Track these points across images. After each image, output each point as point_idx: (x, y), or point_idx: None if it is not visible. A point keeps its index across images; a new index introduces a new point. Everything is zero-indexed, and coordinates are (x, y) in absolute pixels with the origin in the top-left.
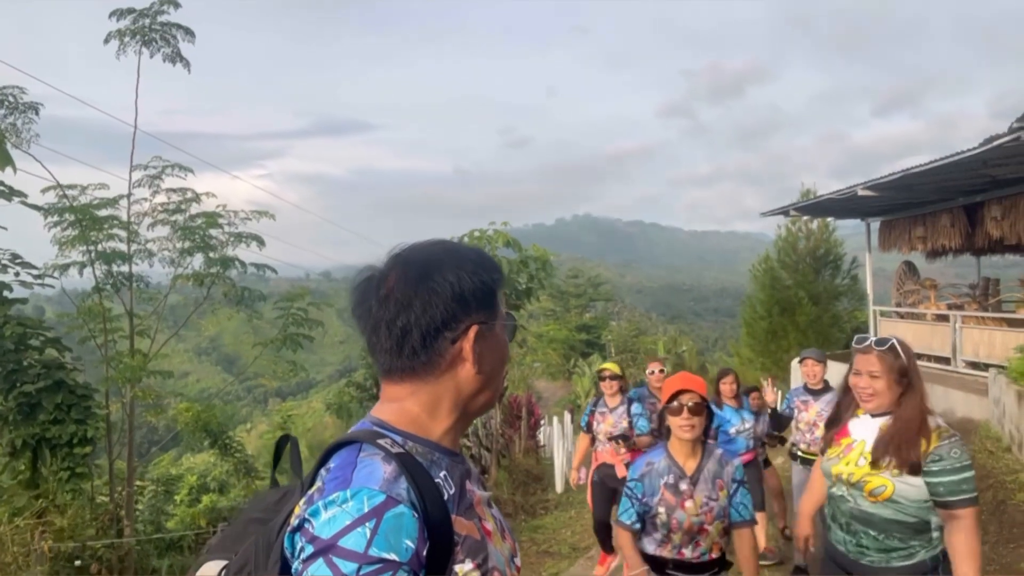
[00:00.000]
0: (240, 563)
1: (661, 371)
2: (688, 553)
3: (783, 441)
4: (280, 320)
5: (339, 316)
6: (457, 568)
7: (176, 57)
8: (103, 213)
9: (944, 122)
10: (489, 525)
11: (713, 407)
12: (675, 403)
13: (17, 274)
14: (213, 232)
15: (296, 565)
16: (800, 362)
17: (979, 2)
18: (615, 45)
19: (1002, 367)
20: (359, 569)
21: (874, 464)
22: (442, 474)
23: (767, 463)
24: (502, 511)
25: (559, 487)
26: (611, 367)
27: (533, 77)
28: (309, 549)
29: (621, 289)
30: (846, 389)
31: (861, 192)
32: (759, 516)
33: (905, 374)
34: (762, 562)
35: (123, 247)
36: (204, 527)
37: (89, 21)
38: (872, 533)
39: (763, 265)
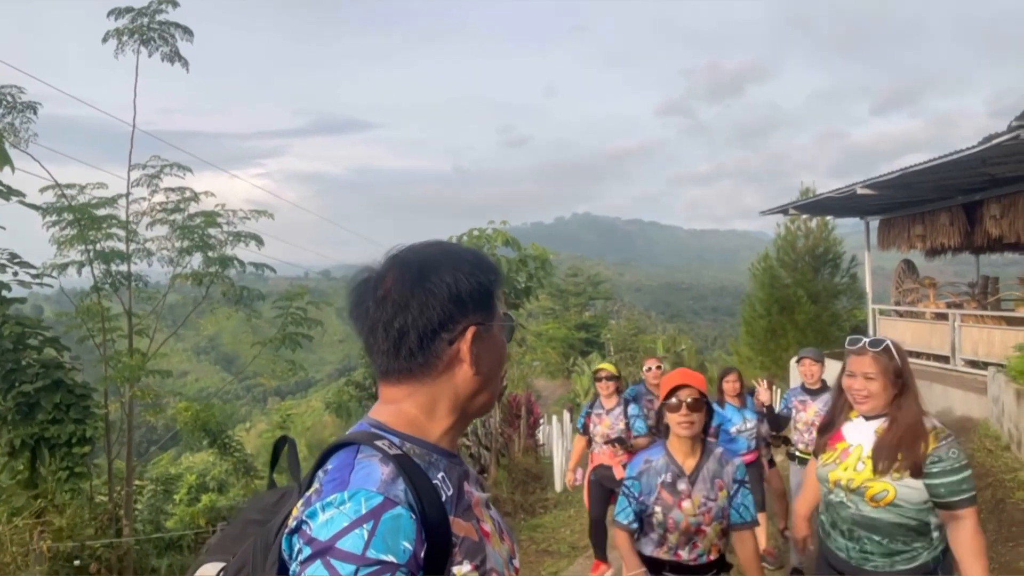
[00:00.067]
0: (238, 564)
1: (658, 368)
2: (685, 555)
3: (787, 441)
4: (279, 319)
5: (338, 315)
6: (455, 569)
7: (175, 56)
8: (102, 212)
9: (943, 121)
10: (487, 526)
11: (715, 405)
12: (673, 399)
13: (16, 273)
14: (212, 231)
15: (294, 567)
16: (797, 362)
17: (978, 1)
18: (614, 44)
19: (1001, 365)
20: (357, 571)
21: (875, 469)
22: (440, 475)
23: (772, 463)
24: (501, 510)
25: (558, 486)
26: (607, 367)
27: (532, 76)
28: (307, 551)
29: (620, 288)
30: (839, 391)
31: (860, 191)
32: (760, 517)
33: (900, 375)
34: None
35: (122, 246)
36: (203, 526)
37: (87, 20)
38: (876, 538)
39: (762, 264)
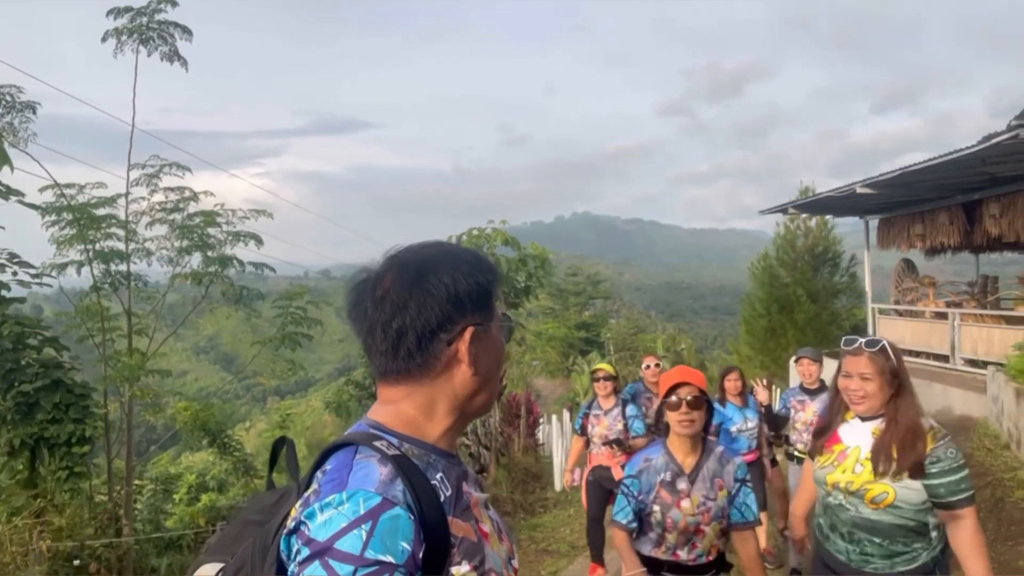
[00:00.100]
0: (237, 565)
1: (657, 366)
2: (683, 555)
3: (786, 440)
4: (279, 319)
5: (338, 314)
6: (454, 570)
7: (174, 56)
8: (101, 212)
9: (943, 120)
10: (486, 527)
11: (716, 404)
12: (673, 397)
13: (15, 273)
14: (211, 231)
15: (292, 567)
16: (795, 361)
17: (978, 0)
18: (614, 44)
19: (1000, 364)
20: (355, 571)
21: (875, 471)
22: (438, 476)
23: (774, 462)
24: (501, 509)
25: (558, 485)
26: (605, 367)
27: (532, 75)
28: (305, 551)
29: (620, 287)
30: (835, 393)
31: (860, 190)
32: (761, 516)
33: (896, 375)
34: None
35: (121, 246)
36: (203, 526)
37: (86, 19)
38: (877, 540)
39: (762, 263)
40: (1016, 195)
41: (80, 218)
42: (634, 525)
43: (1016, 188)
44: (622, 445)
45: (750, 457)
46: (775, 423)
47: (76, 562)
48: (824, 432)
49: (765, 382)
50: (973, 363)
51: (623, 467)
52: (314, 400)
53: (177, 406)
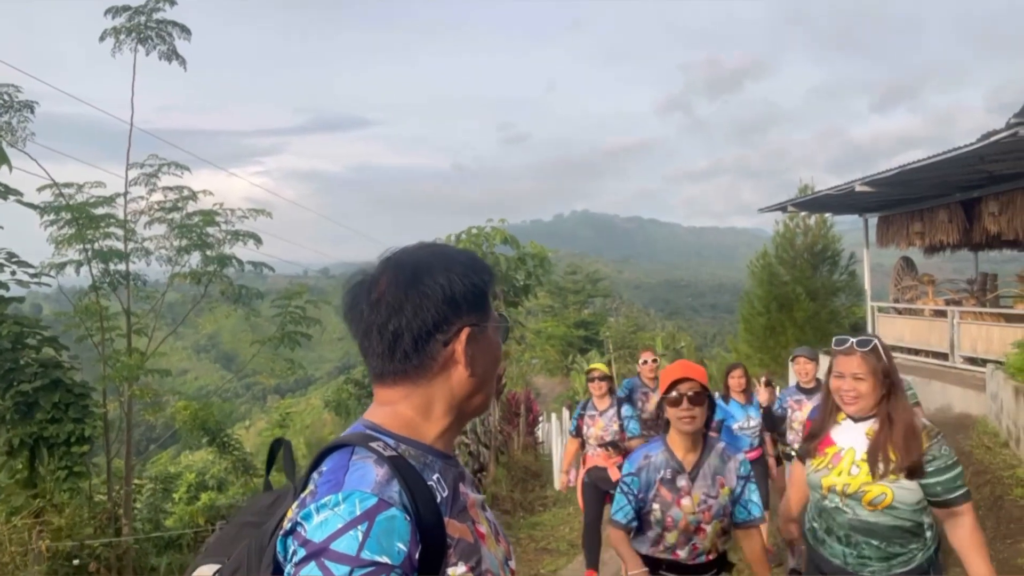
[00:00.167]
0: (233, 567)
1: (654, 361)
2: (683, 554)
3: (784, 439)
4: (278, 318)
5: (337, 313)
6: (450, 571)
7: (172, 55)
8: (99, 211)
9: (942, 117)
10: (483, 528)
11: (719, 401)
12: (674, 393)
13: (14, 273)
14: (210, 230)
15: (288, 568)
16: (792, 360)
17: None
18: (613, 41)
19: (1000, 362)
20: (351, 572)
21: (872, 472)
22: (435, 477)
23: (780, 461)
24: (500, 508)
25: (557, 484)
26: (600, 367)
27: (532, 73)
28: (301, 552)
29: (619, 285)
30: (827, 394)
31: (859, 188)
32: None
33: (888, 375)
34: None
35: (120, 245)
36: (203, 525)
37: (85, 18)
38: (874, 542)
39: (761, 261)
40: (1015, 193)
41: (79, 217)
42: (634, 524)
43: (1015, 186)
44: (618, 447)
45: (753, 455)
46: (772, 423)
47: (76, 561)
48: (816, 435)
49: (764, 380)
50: (972, 361)
51: (619, 468)
52: (314, 398)
53: (176, 405)
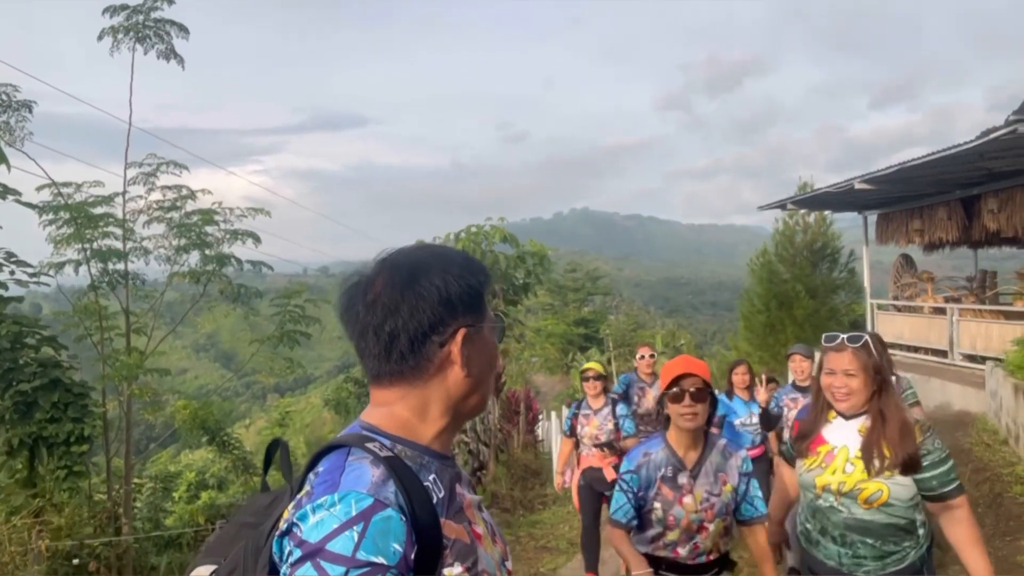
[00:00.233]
0: (229, 567)
1: (652, 356)
2: (683, 552)
3: (781, 437)
4: (277, 317)
5: (336, 312)
6: (446, 571)
7: (170, 53)
8: (98, 211)
9: (941, 115)
10: (479, 529)
11: (723, 398)
12: (676, 389)
13: (12, 272)
14: (209, 229)
15: (284, 569)
16: (788, 358)
17: None
18: (613, 39)
19: (999, 360)
20: (346, 573)
21: (868, 469)
22: (431, 477)
23: None
24: (500, 506)
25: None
26: (595, 366)
27: (531, 71)
28: (297, 553)
29: (619, 283)
30: (817, 392)
31: (858, 185)
32: None
33: (879, 371)
34: None
35: (119, 245)
36: (202, 524)
37: (83, 17)
38: (869, 541)
39: (761, 259)
40: (1014, 190)
41: (77, 217)
42: (634, 523)
43: (1014, 183)
44: (613, 448)
45: (755, 452)
46: (769, 422)
47: (75, 561)
48: (807, 434)
49: (764, 378)
50: (971, 358)
51: (615, 468)
52: (314, 397)
53: (176, 405)
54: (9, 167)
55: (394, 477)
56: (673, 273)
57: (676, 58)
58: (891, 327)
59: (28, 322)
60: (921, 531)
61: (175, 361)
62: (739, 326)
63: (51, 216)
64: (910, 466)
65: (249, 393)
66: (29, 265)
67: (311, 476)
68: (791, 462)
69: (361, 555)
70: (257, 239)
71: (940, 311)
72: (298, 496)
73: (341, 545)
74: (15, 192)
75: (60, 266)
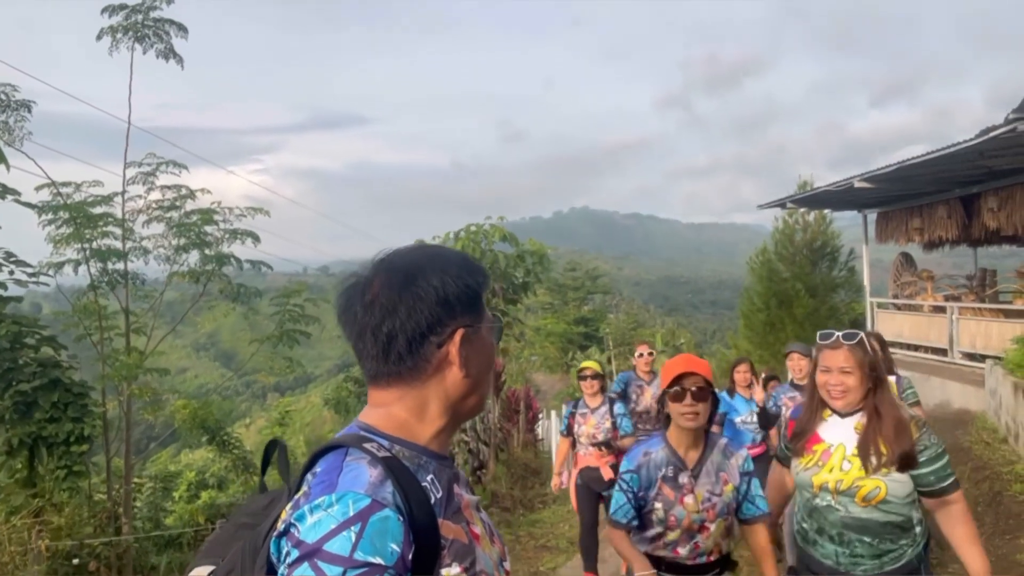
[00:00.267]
0: (227, 568)
1: (650, 354)
2: (683, 552)
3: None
4: (277, 316)
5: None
6: (444, 572)
7: (169, 53)
8: (97, 211)
9: (941, 112)
10: (477, 529)
11: (725, 395)
12: (677, 387)
13: (12, 272)
14: (208, 229)
15: (282, 569)
16: (786, 356)
17: None
18: (612, 38)
19: (999, 358)
20: (344, 573)
21: (866, 467)
22: (429, 478)
23: None
24: (500, 505)
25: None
26: (591, 365)
27: (530, 70)
28: (295, 553)
29: (619, 282)
30: (812, 391)
31: (858, 184)
32: None
33: (874, 368)
34: None
35: (118, 244)
36: (203, 523)
37: (83, 16)
38: (867, 539)
39: (760, 257)
40: (1014, 188)
41: (76, 217)
42: (635, 523)
43: (1014, 181)
44: (611, 447)
45: (756, 451)
46: (766, 421)
47: (75, 560)
48: (802, 433)
49: (764, 376)
50: (971, 357)
51: (612, 467)
52: (314, 396)
53: (175, 404)
54: (8, 167)
55: (392, 477)
56: (673, 272)
57: (675, 57)
58: (891, 325)
59: (28, 322)
60: (918, 529)
61: (175, 360)
62: (739, 325)
63: (50, 216)
64: (907, 462)
65: (249, 392)
66: (28, 265)
67: (309, 477)
68: (786, 462)
69: (358, 555)
70: (256, 239)
71: (940, 309)
72: (296, 497)
73: (338, 545)
74: (14, 192)
75: (59, 266)
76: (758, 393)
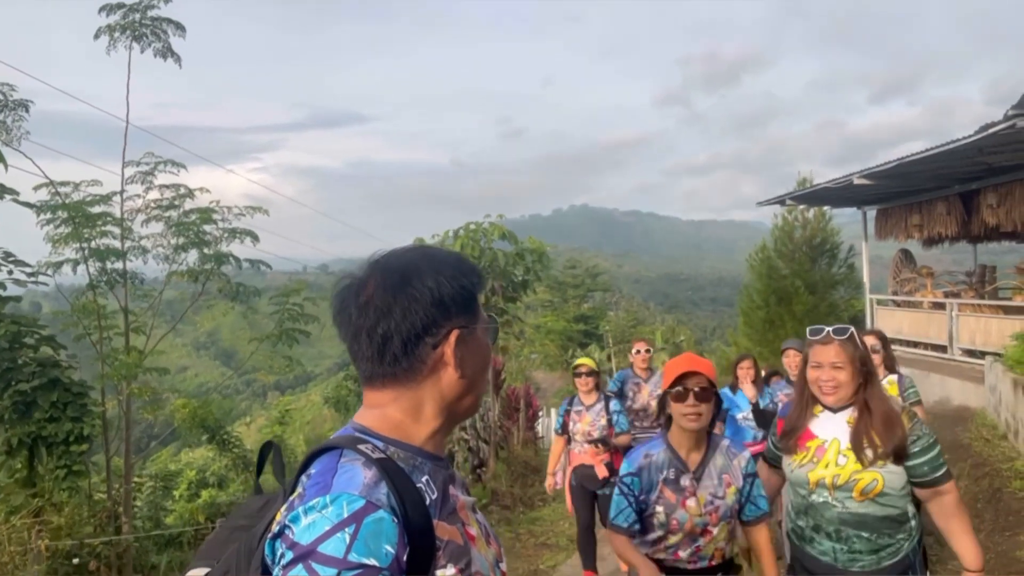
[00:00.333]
0: (222, 570)
1: (647, 351)
2: (684, 555)
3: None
4: (276, 315)
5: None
6: (439, 573)
7: (167, 52)
8: (96, 210)
9: (940, 109)
10: (473, 530)
11: (727, 391)
12: (679, 387)
13: (11, 272)
14: (207, 228)
15: (276, 571)
16: (782, 353)
17: None
18: (612, 35)
19: (998, 355)
20: (338, 574)
21: (861, 459)
22: (424, 479)
23: None
24: (500, 503)
25: (558, 479)
26: (587, 362)
27: (530, 67)
28: (289, 555)
29: (619, 279)
30: (802, 387)
31: (857, 180)
32: None
33: (865, 363)
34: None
35: (117, 244)
36: (203, 522)
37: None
38: (865, 535)
39: (760, 254)
40: (1013, 184)
41: (75, 216)
42: (637, 527)
43: (1013, 177)
44: (607, 443)
45: (757, 448)
46: (762, 418)
47: (76, 560)
48: (793, 431)
49: (765, 373)
50: (971, 353)
51: (608, 466)
52: (314, 395)
53: (175, 403)
54: (6, 166)
55: (386, 479)
56: (672, 269)
57: (675, 54)
58: (890, 322)
59: (27, 322)
60: (913, 522)
61: (176, 359)
62: (738, 322)
63: (49, 215)
64: (900, 453)
65: (250, 391)
66: (27, 264)
67: (303, 478)
68: (775, 461)
69: (353, 557)
70: (255, 238)
71: (939, 306)
72: (291, 498)
73: (333, 547)
74: (12, 191)
75: (58, 265)
76: (748, 389)
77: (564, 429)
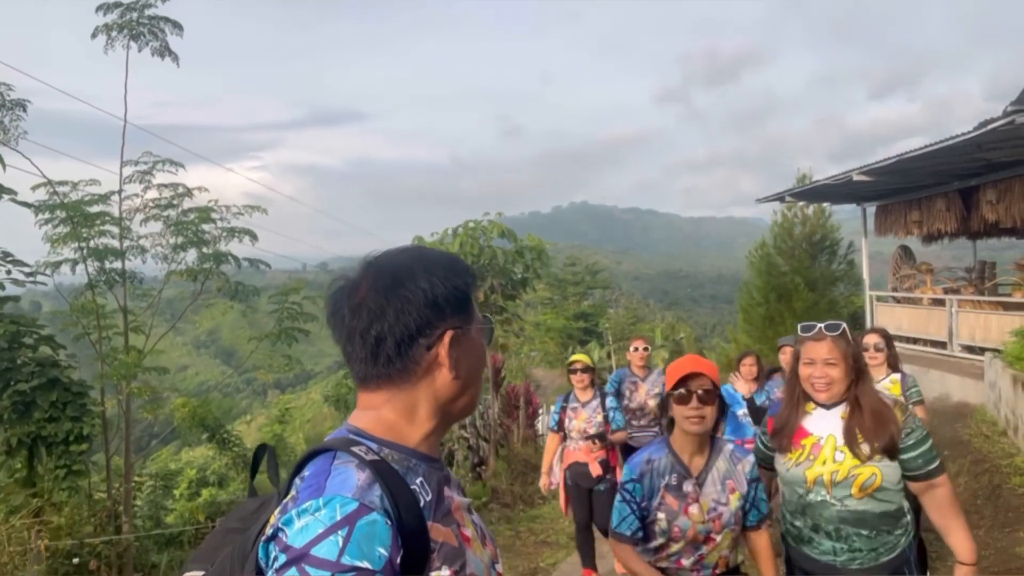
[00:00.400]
0: (216, 573)
1: (645, 349)
2: (687, 563)
3: None
4: (275, 314)
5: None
6: (433, 575)
7: (165, 51)
8: (94, 209)
9: (939, 105)
10: (468, 531)
11: (729, 388)
12: (682, 390)
13: (9, 272)
14: (206, 227)
15: (270, 574)
16: (779, 350)
17: None
18: (611, 32)
19: (998, 351)
20: None
21: (857, 454)
22: (418, 481)
23: None
24: (500, 501)
25: (557, 477)
26: (582, 359)
27: (529, 65)
28: (282, 558)
29: (618, 276)
30: (793, 385)
31: (856, 177)
32: None
33: (857, 359)
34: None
35: (115, 243)
36: (203, 521)
37: (80, 13)
38: (864, 532)
39: (759, 251)
40: (1013, 180)
41: (73, 216)
42: (640, 535)
43: (1013, 173)
44: (604, 439)
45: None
46: (758, 416)
47: (76, 560)
48: (785, 429)
49: (768, 369)
50: (970, 349)
51: (602, 463)
52: (314, 393)
53: (175, 403)
54: (4, 166)
55: (380, 481)
56: (672, 266)
57: (674, 51)
58: (890, 319)
59: (26, 321)
60: (908, 517)
61: (176, 358)
62: (738, 319)
63: (47, 215)
64: (894, 447)
65: (250, 389)
66: (26, 264)
67: (297, 481)
68: (766, 461)
69: (346, 560)
70: (254, 237)
71: (939, 302)
72: (284, 501)
73: (326, 550)
74: (10, 191)
75: (57, 265)
76: (741, 385)
77: (560, 426)
